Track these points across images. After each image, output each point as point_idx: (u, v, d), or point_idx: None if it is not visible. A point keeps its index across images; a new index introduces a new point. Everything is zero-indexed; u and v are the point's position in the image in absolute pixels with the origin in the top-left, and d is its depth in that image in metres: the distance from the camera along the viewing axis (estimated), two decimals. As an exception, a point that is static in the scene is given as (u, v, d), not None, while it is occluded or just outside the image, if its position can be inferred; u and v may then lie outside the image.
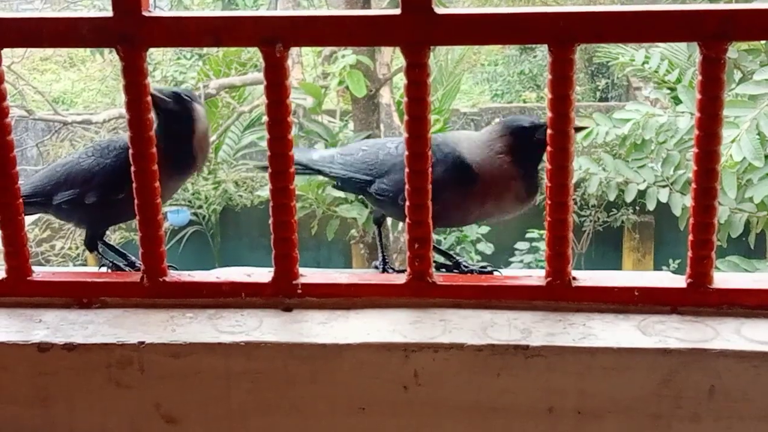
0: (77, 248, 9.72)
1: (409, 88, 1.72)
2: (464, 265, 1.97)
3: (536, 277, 1.82)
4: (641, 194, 6.17)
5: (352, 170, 2.01)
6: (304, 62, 9.44)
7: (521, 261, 9.76)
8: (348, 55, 7.43)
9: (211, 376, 1.73)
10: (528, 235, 9.70)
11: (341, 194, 7.23)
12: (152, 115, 1.81)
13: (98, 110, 10.26)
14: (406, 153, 1.75)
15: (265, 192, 8.05)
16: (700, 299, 1.76)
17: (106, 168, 2.02)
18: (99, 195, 2.02)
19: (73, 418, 1.77)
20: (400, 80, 9.73)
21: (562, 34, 1.67)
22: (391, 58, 8.00)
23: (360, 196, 2.52)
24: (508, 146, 1.94)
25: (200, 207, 10.74)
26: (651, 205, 5.98)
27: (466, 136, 2.03)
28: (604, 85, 13.12)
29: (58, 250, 9.47)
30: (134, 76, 1.74)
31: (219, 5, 11.92)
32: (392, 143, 2.02)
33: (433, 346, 1.69)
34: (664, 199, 5.88)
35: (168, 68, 9.89)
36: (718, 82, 1.67)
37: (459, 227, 4.70)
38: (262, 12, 1.65)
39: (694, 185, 1.73)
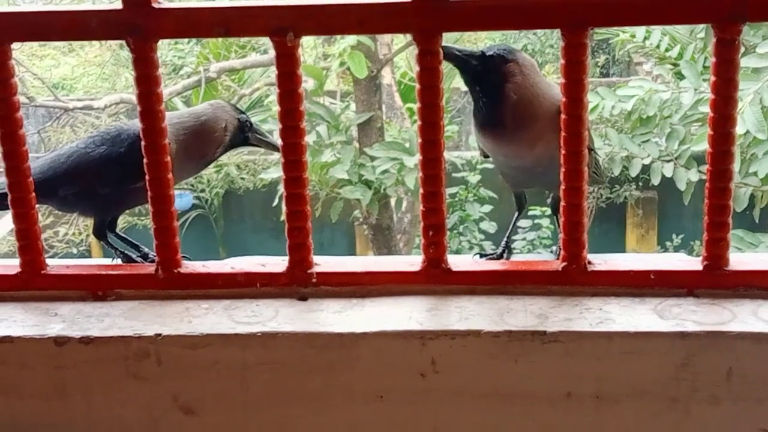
0: (80, 234, 9.71)
1: (422, 75, 1.71)
2: None
3: (552, 261, 1.82)
4: (644, 170, 6.16)
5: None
6: (303, 44, 9.38)
7: (524, 238, 9.77)
8: (348, 36, 7.37)
9: (228, 366, 1.73)
10: (530, 213, 9.70)
11: (345, 176, 7.21)
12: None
13: (98, 95, 10.22)
14: (419, 140, 1.74)
15: (268, 175, 8.05)
16: (716, 281, 1.76)
17: (123, 156, 1.94)
18: (115, 184, 1.96)
19: (91, 411, 1.77)
20: (402, 60, 9.73)
21: (575, 19, 1.65)
22: (392, 38, 7.96)
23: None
24: None
25: (203, 191, 10.72)
26: (656, 180, 5.97)
27: None
28: (605, 60, 13.05)
29: (62, 236, 9.47)
30: (145, 68, 1.73)
31: (218, -13, 11.83)
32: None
33: (449, 334, 1.69)
34: (668, 174, 5.87)
35: (166, 53, 9.83)
36: (733, 64, 1.66)
37: None
38: (273, 1, 1.64)
39: (709, 167, 1.72)
